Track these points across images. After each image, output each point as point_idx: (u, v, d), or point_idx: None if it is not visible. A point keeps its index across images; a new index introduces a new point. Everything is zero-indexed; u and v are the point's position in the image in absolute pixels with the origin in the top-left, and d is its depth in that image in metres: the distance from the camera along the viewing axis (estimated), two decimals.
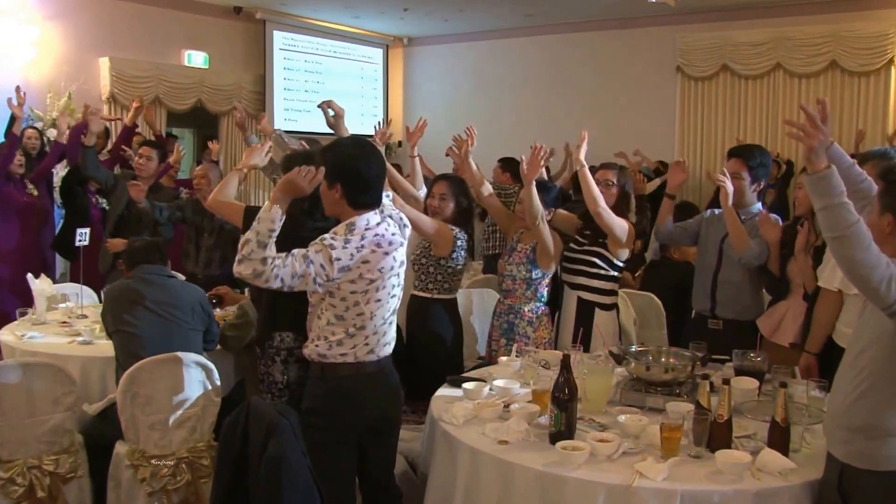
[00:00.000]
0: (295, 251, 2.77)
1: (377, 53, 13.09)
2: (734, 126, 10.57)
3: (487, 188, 4.46)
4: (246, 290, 4.58)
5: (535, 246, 4.14)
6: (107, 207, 6.50)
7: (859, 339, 2.49)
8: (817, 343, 3.59)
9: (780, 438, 2.65)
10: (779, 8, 10.17)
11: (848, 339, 2.67)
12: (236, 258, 2.75)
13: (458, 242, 4.21)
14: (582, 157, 4.11)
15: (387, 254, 2.89)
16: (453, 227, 4.20)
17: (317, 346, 2.94)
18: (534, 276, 4.13)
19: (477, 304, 5.05)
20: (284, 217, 2.81)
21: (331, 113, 3.91)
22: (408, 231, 3.09)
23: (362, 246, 2.83)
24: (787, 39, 10.17)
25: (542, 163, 4.02)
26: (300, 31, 11.74)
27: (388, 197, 3.13)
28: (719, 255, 4.16)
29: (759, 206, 4.21)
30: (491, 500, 2.66)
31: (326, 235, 2.84)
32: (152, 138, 7.47)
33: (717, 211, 4.33)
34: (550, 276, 4.21)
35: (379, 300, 2.91)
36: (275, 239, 2.76)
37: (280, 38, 11.46)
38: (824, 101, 2.41)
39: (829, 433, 2.53)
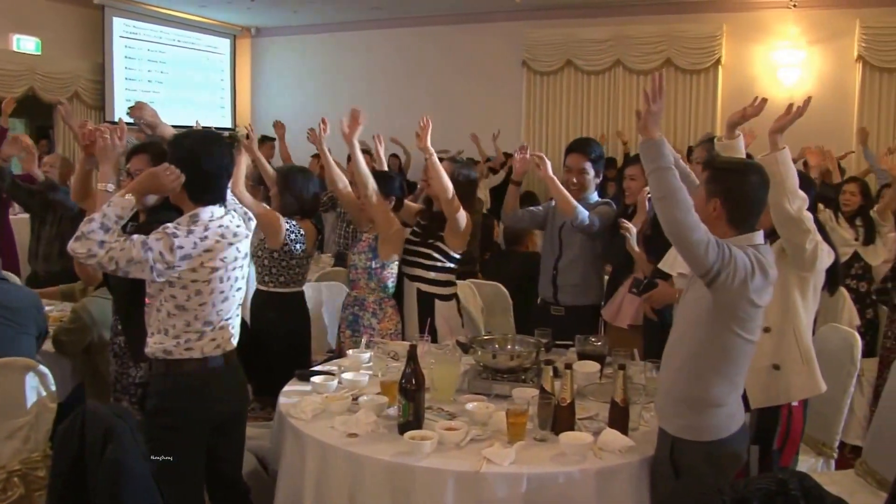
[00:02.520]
0: (135, 237, 2.70)
1: (224, 43, 12.76)
2: (577, 119, 10.98)
3: (341, 179, 4.38)
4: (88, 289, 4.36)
5: (378, 236, 4.13)
6: None
7: (683, 318, 2.66)
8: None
9: (619, 418, 2.76)
10: (619, 7, 10.61)
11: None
12: (75, 234, 2.64)
13: (291, 236, 4.14)
14: (428, 143, 4.02)
15: (231, 244, 2.85)
16: (288, 220, 4.14)
17: (160, 342, 2.83)
18: (373, 266, 4.10)
19: (326, 296, 5.01)
20: (136, 210, 2.77)
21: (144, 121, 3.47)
22: (252, 224, 3.06)
23: (206, 237, 2.77)
24: (627, 38, 10.65)
25: (362, 121, 4.01)
26: (142, 18, 11.29)
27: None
28: (559, 243, 4.28)
29: (596, 195, 4.35)
30: (341, 494, 2.65)
31: (169, 224, 2.76)
32: None
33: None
34: (393, 265, 4.17)
35: (222, 292, 2.85)
36: (118, 228, 2.69)
37: (120, 25, 10.99)
38: (661, 73, 2.65)
39: (660, 410, 2.68)
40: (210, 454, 2.97)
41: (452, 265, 4.28)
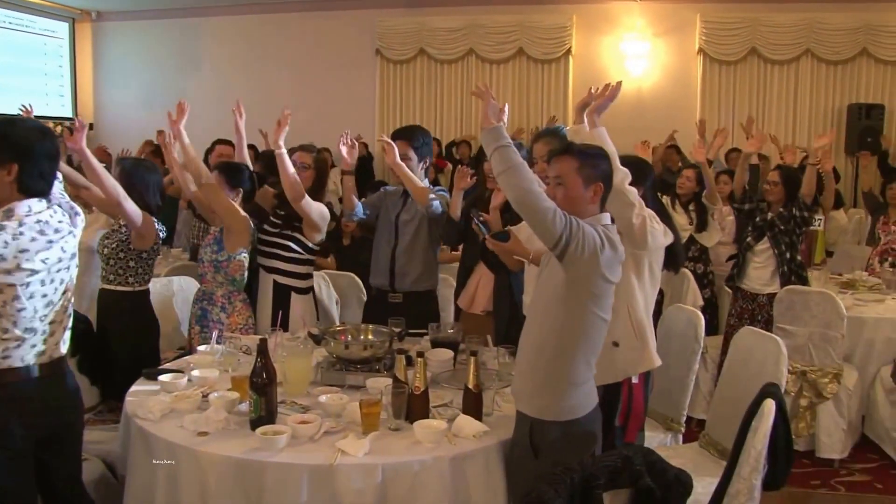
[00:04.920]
0: None
1: (62, 27, 12.10)
2: (431, 108, 11.06)
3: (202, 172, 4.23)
4: None
5: (224, 228, 4.03)
6: None
7: (539, 300, 2.71)
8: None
9: (473, 404, 2.79)
10: None
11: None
12: None
13: (161, 234, 4.04)
14: (281, 140, 3.95)
15: (51, 242, 2.62)
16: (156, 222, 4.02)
17: None
18: (220, 259, 4.01)
19: (177, 291, 4.83)
20: None
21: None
22: (79, 220, 2.82)
23: (21, 233, 2.54)
24: (480, 27, 10.80)
25: (187, 108, 3.95)
26: None
27: (60, 184, 2.88)
28: (396, 231, 4.28)
29: (426, 181, 4.36)
30: (193, 495, 2.57)
31: None
32: None
33: (390, 188, 4.44)
34: (241, 258, 4.05)
35: (45, 296, 2.63)
36: None
37: None
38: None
39: (518, 392, 2.72)
40: (41, 469, 2.77)
41: (310, 256, 4.25)
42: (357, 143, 4.48)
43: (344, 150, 4.29)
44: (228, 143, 6.59)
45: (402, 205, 4.28)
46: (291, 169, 3.97)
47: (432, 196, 4.12)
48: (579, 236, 2.44)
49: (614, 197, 2.92)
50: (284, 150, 3.95)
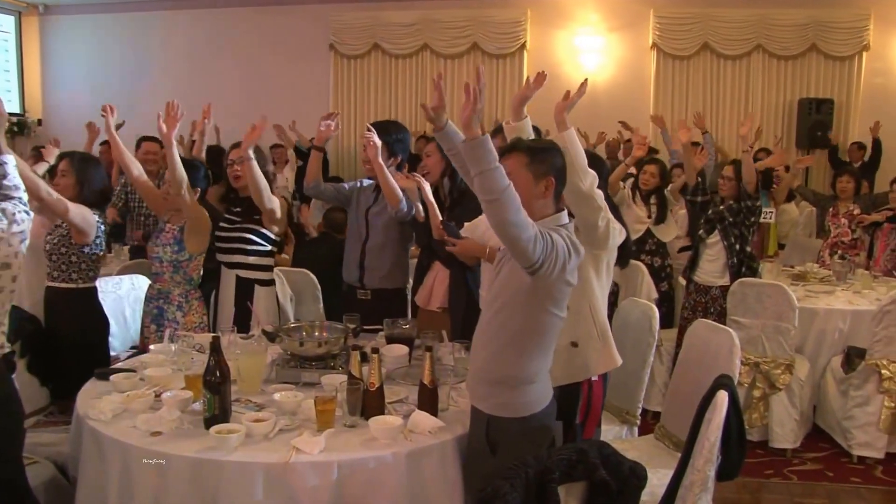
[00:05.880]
0: None
1: (8, 21, 11.83)
2: (385, 103, 11.03)
3: (136, 167, 4.19)
4: None
5: (184, 227, 3.98)
6: None
7: (496, 298, 2.67)
8: None
9: (428, 400, 2.78)
10: None
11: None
12: None
13: (101, 227, 3.98)
14: (250, 150, 3.93)
15: None
16: (95, 212, 3.93)
17: None
18: (180, 259, 3.97)
19: (127, 290, 4.76)
20: None
21: None
22: (16, 227, 2.71)
23: None
24: (433, 21, 10.79)
25: (180, 117, 3.86)
26: None
27: (19, 189, 2.79)
28: (366, 225, 4.25)
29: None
30: (146, 496, 2.53)
31: None
32: None
33: (366, 182, 4.41)
34: (200, 258, 4.05)
35: None
36: None
37: None
38: (480, 69, 2.58)
39: (472, 389, 2.71)
40: None
41: (271, 247, 4.23)
42: (338, 126, 4.45)
43: (322, 127, 4.26)
44: (155, 140, 6.50)
45: (374, 200, 4.24)
46: (259, 172, 3.94)
47: (405, 201, 4.05)
48: (552, 258, 2.41)
49: (583, 201, 2.91)
50: (253, 158, 3.91)
